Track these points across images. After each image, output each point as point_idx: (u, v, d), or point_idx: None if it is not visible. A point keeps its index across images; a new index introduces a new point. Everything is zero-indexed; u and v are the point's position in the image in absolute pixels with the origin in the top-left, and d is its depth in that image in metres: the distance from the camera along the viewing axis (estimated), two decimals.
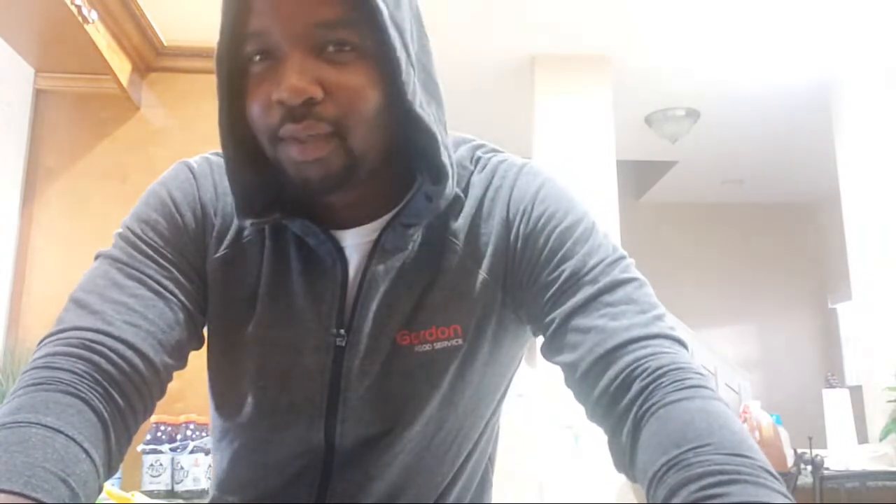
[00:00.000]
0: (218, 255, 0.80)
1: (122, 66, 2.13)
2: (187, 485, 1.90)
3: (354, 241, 0.79)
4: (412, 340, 0.78)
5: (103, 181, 2.22)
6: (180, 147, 2.28)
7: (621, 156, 4.24)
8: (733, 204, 6.81)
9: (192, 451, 1.92)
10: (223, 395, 0.84)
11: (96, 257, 0.78)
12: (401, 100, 0.71)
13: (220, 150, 0.84)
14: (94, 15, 1.87)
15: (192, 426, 1.96)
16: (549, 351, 0.77)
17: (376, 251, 0.78)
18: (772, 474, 0.58)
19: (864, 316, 4.10)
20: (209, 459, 1.95)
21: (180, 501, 1.87)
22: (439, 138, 0.73)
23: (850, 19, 3.76)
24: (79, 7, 1.79)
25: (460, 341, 0.78)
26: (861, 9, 3.66)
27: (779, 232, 6.89)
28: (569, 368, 0.74)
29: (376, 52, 0.69)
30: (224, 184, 0.81)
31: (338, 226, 0.79)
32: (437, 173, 0.74)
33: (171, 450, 1.92)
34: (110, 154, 2.24)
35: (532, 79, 4.11)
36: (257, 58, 0.70)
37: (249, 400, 0.81)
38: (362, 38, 0.69)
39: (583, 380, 0.72)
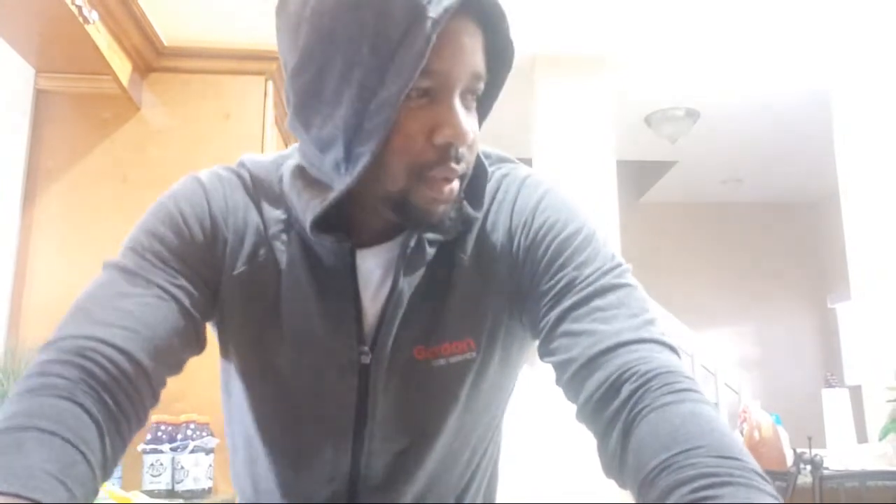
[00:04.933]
0: (236, 272, 0.80)
1: (122, 67, 2.13)
2: (188, 484, 1.90)
3: (377, 259, 0.80)
4: (428, 356, 0.79)
5: (103, 181, 2.22)
6: (180, 147, 2.29)
7: (621, 156, 4.24)
8: (733, 203, 6.81)
9: (192, 451, 1.92)
10: (255, 413, 0.85)
11: (103, 267, 0.78)
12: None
13: (226, 165, 0.85)
14: (94, 15, 1.87)
15: (192, 426, 1.96)
16: (543, 352, 0.78)
17: (401, 268, 0.78)
18: (762, 477, 0.58)
19: (863, 316, 4.10)
20: (210, 459, 1.95)
21: (181, 501, 1.87)
22: (489, 172, 0.80)
23: (850, 19, 3.76)
24: (79, 7, 1.80)
25: (474, 354, 0.80)
26: (860, 9, 3.66)
27: (778, 231, 6.89)
28: (559, 369, 0.75)
29: (480, 99, 0.77)
30: (234, 198, 0.81)
31: (359, 245, 0.79)
32: (478, 200, 0.80)
33: (172, 449, 1.92)
34: (111, 154, 2.25)
35: (532, 79, 4.11)
36: (414, 94, 0.70)
37: (278, 423, 0.83)
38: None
39: (572, 381, 0.73)
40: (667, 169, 5.99)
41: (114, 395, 0.68)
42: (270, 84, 2.37)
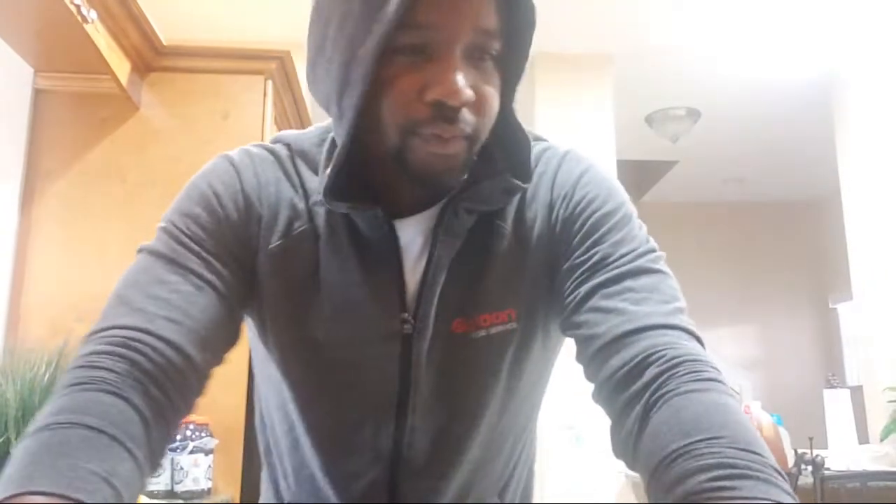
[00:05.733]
0: (272, 246, 0.79)
1: (121, 66, 2.13)
2: (187, 485, 1.89)
3: (417, 228, 0.79)
4: (467, 328, 0.79)
5: (103, 181, 2.21)
6: (180, 147, 2.28)
7: (621, 156, 4.23)
8: (734, 203, 6.80)
9: (191, 452, 1.92)
10: (296, 393, 0.83)
11: (139, 251, 0.77)
12: (508, 106, 0.75)
13: (259, 142, 0.84)
14: (93, 14, 1.87)
15: (191, 426, 1.95)
16: (567, 326, 0.77)
17: (438, 235, 0.77)
18: (780, 474, 0.58)
19: (864, 316, 4.10)
20: (209, 460, 1.94)
21: (180, 502, 1.87)
22: (531, 141, 0.78)
23: (851, 16, 3.75)
24: (78, 6, 1.79)
25: (514, 325, 0.79)
26: (861, 6, 3.65)
27: (780, 231, 6.88)
28: (583, 344, 0.74)
29: (506, 61, 0.73)
30: (266, 174, 0.81)
31: (399, 214, 0.79)
32: (525, 172, 0.77)
33: (171, 450, 1.92)
34: (110, 154, 2.24)
35: (532, 78, 4.10)
36: (406, 49, 0.68)
37: (317, 402, 0.81)
38: (502, 48, 0.72)
39: (595, 357, 0.72)
40: (668, 168, 5.98)
41: (162, 388, 0.67)
42: (270, 83, 2.36)
